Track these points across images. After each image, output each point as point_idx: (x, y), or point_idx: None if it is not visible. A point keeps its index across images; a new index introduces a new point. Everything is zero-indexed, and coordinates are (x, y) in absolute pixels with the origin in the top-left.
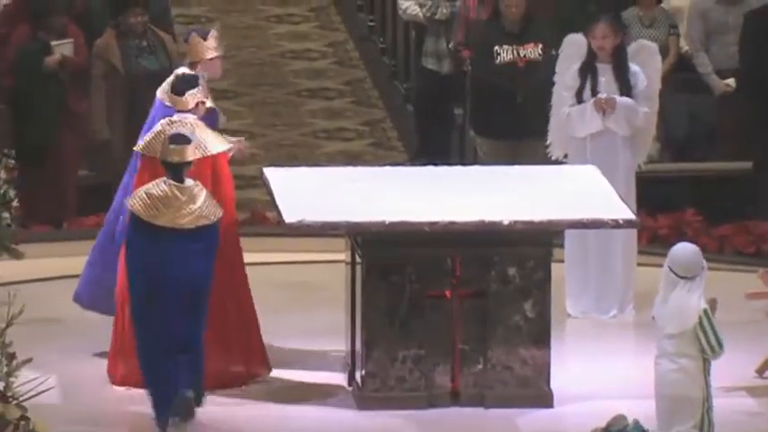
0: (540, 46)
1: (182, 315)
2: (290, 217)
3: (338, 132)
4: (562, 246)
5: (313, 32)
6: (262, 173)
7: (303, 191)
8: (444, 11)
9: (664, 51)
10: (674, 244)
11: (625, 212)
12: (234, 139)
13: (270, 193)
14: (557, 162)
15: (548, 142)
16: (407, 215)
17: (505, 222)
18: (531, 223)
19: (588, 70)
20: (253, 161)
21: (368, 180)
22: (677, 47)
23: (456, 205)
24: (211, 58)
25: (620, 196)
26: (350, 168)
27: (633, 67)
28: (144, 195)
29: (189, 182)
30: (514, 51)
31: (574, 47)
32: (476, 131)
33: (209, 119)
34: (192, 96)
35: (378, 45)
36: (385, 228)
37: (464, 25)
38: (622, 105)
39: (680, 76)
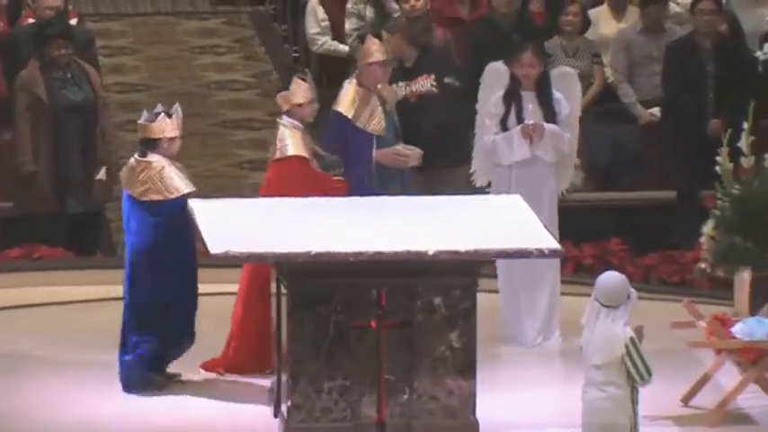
0: (432, 77)
1: (131, 282)
2: (215, 248)
3: (264, 163)
4: (490, 275)
5: (237, 63)
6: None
7: (229, 222)
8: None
9: (587, 80)
10: (599, 273)
11: (550, 242)
12: None
13: (195, 224)
14: (480, 190)
15: (472, 170)
16: (333, 245)
17: (431, 252)
18: (456, 253)
19: (512, 97)
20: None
21: (295, 211)
22: (602, 76)
23: (382, 235)
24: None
25: (545, 225)
26: (277, 200)
27: (556, 93)
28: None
29: (153, 157)
30: (406, 87)
31: (494, 75)
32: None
33: None
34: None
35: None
36: (310, 258)
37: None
38: (549, 132)
39: (604, 105)
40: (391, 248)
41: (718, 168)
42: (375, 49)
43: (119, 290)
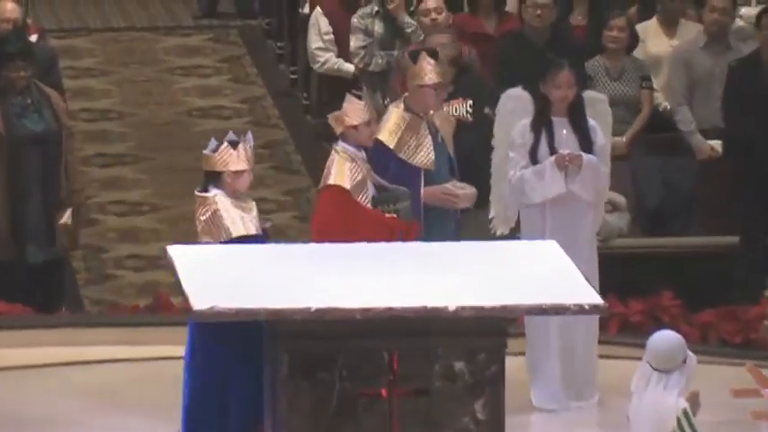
0: (469, 102)
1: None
2: (199, 303)
3: (258, 205)
4: (519, 335)
5: (225, 86)
6: (165, 252)
7: (214, 272)
8: (380, 61)
9: (635, 107)
10: (648, 332)
11: (591, 296)
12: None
13: (176, 274)
14: (506, 237)
15: (490, 215)
16: (337, 300)
17: (451, 308)
18: (481, 309)
19: (543, 124)
20: (155, 237)
21: (292, 259)
22: (650, 102)
23: (394, 288)
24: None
25: (584, 275)
26: (270, 246)
27: (590, 121)
28: None
29: (213, 192)
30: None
31: (513, 103)
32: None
33: None
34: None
35: (301, 101)
36: (310, 315)
37: (400, 80)
38: (588, 164)
39: (654, 135)
40: (405, 304)
41: None
42: (429, 70)
43: (89, 352)
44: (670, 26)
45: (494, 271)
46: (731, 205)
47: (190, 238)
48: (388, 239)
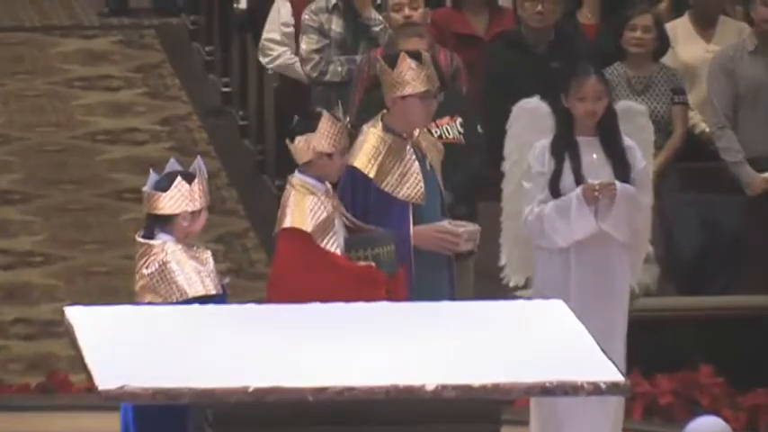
0: (459, 121)
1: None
2: (106, 381)
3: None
4: (519, 423)
5: (139, 103)
6: (63, 315)
7: (127, 340)
8: (339, 68)
9: (664, 128)
10: (684, 419)
11: (609, 371)
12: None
13: (75, 345)
14: (514, 292)
15: (501, 262)
16: (283, 377)
17: (429, 387)
18: (468, 389)
19: (565, 146)
20: (49, 296)
21: (224, 325)
22: (684, 122)
23: (358, 362)
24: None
25: (607, 343)
26: (196, 307)
27: (627, 140)
28: None
29: (160, 239)
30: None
31: (527, 117)
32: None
33: None
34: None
35: (237, 121)
36: (248, 396)
37: (363, 91)
38: (623, 195)
39: (690, 164)
40: (371, 382)
41: None
42: (412, 75)
43: None
44: (706, 26)
45: (486, 339)
46: None
47: (92, 296)
48: (367, 295)
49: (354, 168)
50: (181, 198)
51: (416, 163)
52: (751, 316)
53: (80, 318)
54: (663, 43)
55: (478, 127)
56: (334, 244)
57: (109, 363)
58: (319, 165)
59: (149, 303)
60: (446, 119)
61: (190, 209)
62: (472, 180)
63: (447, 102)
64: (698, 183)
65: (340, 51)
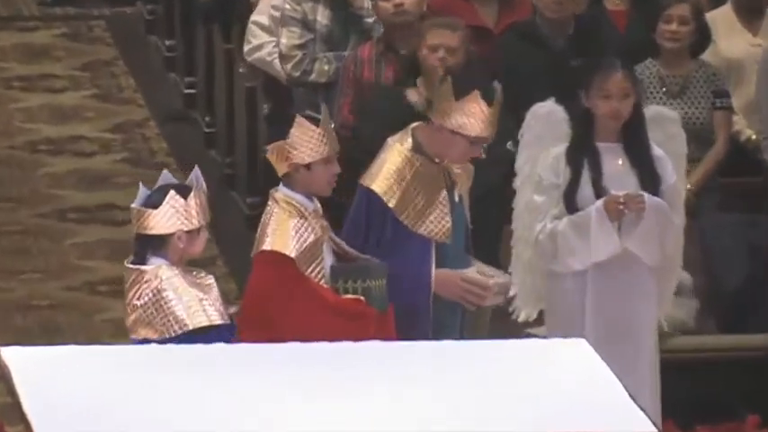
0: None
1: None
2: None
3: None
4: None
5: (87, 107)
6: None
7: (71, 387)
8: (325, 67)
9: (705, 136)
10: None
11: (639, 421)
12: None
13: (12, 391)
14: (525, 329)
15: (511, 294)
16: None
17: None
18: None
19: (583, 153)
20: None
21: (187, 367)
22: (728, 129)
23: (344, 414)
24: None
25: (635, 389)
26: (155, 347)
27: (655, 149)
28: None
29: (154, 263)
30: None
31: (543, 123)
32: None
33: None
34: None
35: (202, 129)
36: None
37: (353, 92)
38: (654, 209)
39: (734, 179)
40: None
41: None
42: (476, 114)
43: None
44: (751, 16)
45: (498, 384)
46: None
47: (32, 334)
48: (354, 333)
49: (372, 192)
50: (175, 215)
51: (444, 192)
52: None
53: (18, 359)
54: (702, 37)
55: (509, 144)
56: (320, 273)
57: (51, 412)
58: (298, 178)
59: (144, 340)
60: None
61: (186, 227)
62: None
63: None
64: (743, 201)
65: (326, 47)
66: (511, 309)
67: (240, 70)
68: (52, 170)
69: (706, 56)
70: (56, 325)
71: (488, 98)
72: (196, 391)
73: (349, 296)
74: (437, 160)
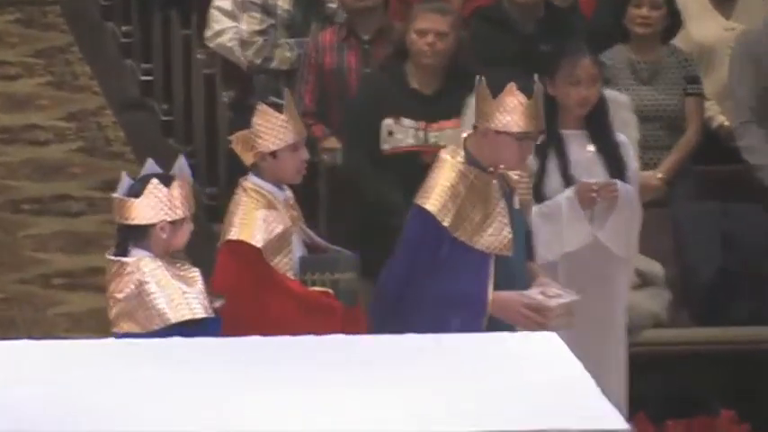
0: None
1: None
2: None
3: (89, 278)
4: None
5: (41, 95)
6: None
7: (25, 384)
8: (287, 54)
9: (676, 124)
10: None
11: (610, 416)
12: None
13: None
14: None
15: None
16: (206, 427)
17: None
18: None
19: (550, 143)
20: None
21: (145, 361)
22: (700, 116)
23: (305, 409)
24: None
25: (606, 379)
26: (112, 341)
27: (619, 135)
28: None
29: (135, 255)
30: (420, 132)
31: None
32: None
33: None
34: None
35: (159, 117)
36: None
37: (314, 79)
38: (626, 199)
39: (707, 168)
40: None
41: None
42: (515, 109)
43: None
44: (723, 0)
45: (464, 379)
46: None
47: None
48: (320, 326)
49: (425, 212)
50: (158, 205)
51: (502, 202)
52: None
53: None
54: (673, 22)
55: None
56: (287, 264)
57: (3, 406)
58: (266, 167)
59: (126, 334)
60: (449, 122)
61: (169, 218)
62: None
63: (451, 96)
64: (717, 189)
65: (288, 33)
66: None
67: (198, 57)
68: (6, 160)
69: (677, 41)
70: (9, 319)
71: (526, 91)
72: (151, 385)
73: (317, 288)
74: (491, 169)
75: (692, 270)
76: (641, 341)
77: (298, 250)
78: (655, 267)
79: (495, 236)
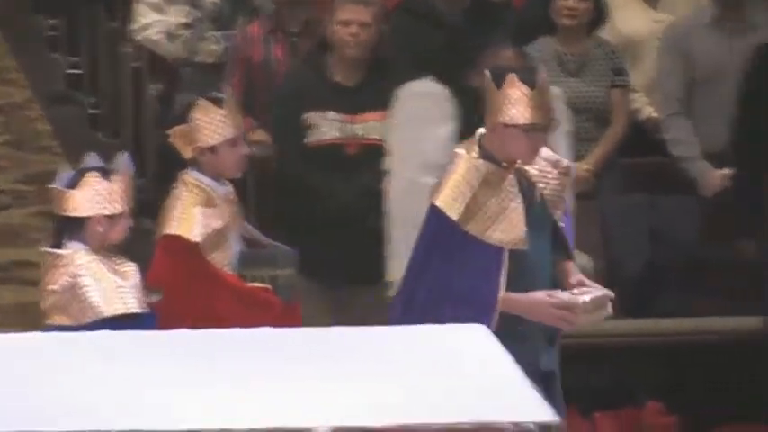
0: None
1: None
2: None
3: (17, 271)
4: None
5: None
6: None
7: None
8: (214, 47)
9: (603, 116)
10: None
11: (539, 409)
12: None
13: None
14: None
15: (390, 278)
16: (135, 421)
17: (319, 430)
18: (350, 431)
19: (471, 135)
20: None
21: (79, 355)
22: (626, 107)
23: (231, 401)
24: None
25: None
26: (36, 335)
27: None
28: None
29: (71, 248)
30: (344, 125)
31: (421, 103)
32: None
33: None
34: None
35: (86, 111)
36: None
37: (243, 73)
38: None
39: (635, 160)
40: (245, 424)
41: None
42: (518, 100)
43: None
44: None
45: (390, 372)
46: (755, 269)
47: None
48: (257, 321)
49: (436, 208)
50: (96, 198)
51: (518, 198)
52: (708, 342)
53: None
54: (599, 13)
55: None
56: (225, 260)
57: None
58: (205, 161)
59: (59, 327)
60: (373, 114)
61: (106, 212)
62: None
63: (373, 88)
64: (644, 181)
65: (214, 26)
66: (389, 294)
67: (125, 50)
68: None
69: (605, 33)
70: None
71: (529, 81)
72: (79, 379)
73: (256, 284)
74: (504, 164)
75: (619, 262)
76: (568, 333)
77: (236, 246)
78: (582, 259)
79: (508, 230)
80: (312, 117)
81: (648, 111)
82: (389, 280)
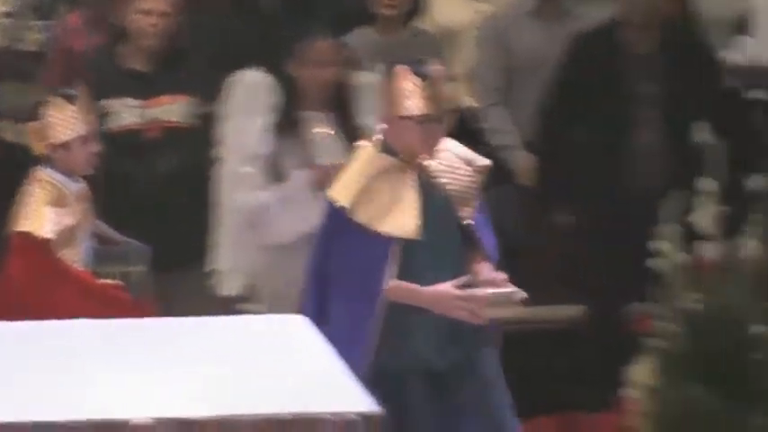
0: (190, 100)
1: None
2: None
3: None
4: None
5: None
6: None
7: None
8: (36, 36)
9: None
10: None
11: (362, 400)
12: None
13: None
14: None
15: (210, 266)
16: None
17: (135, 423)
18: (184, 425)
19: (288, 125)
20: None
21: None
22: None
23: (58, 393)
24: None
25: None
26: None
27: (365, 118)
28: None
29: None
30: (140, 110)
31: (247, 90)
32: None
33: None
34: None
35: None
36: None
37: (64, 63)
38: None
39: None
40: (67, 416)
41: (655, 264)
42: (410, 92)
43: None
44: None
45: (209, 364)
46: (573, 258)
47: None
48: (108, 317)
49: (327, 197)
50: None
51: (415, 191)
52: (525, 330)
53: None
54: (417, 3)
55: None
56: (77, 256)
57: None
58: (57, 158)
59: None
60: (169, 98)
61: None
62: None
63: (172, 72)
64: None
65: (36, 15)
66: (210, 282)
67: None
68: None
69: (425, 23)
70: None
71: (421, 73)
72: None
73: (108, 281)
74: (402, 157)
75: None
76: None
77: (88, 243)
78: None
79: (399, 220)
80: (110, 104)
81: (467, 100)
82: (213, 268)
